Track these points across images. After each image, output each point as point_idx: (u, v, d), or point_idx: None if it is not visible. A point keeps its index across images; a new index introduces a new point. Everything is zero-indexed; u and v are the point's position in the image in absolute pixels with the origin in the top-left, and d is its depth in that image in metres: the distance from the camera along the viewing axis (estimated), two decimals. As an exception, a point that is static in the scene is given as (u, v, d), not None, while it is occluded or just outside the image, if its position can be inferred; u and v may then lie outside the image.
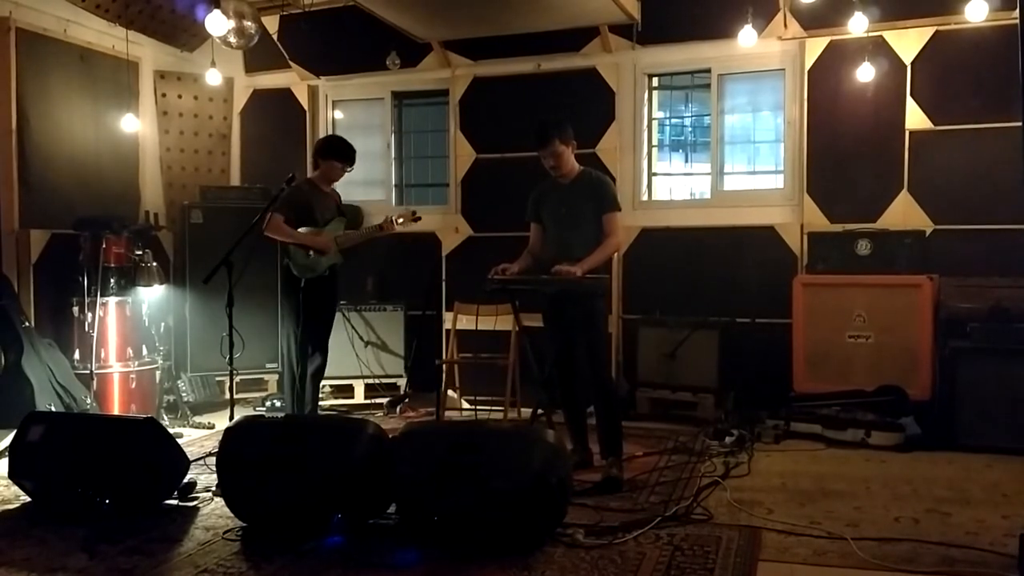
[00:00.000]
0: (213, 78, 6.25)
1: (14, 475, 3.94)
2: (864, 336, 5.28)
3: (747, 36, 5.51)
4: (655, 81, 6.44)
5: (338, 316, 5.58)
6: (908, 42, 5.52)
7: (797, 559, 3.12)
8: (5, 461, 4.04)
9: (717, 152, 6.21)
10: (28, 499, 3.94)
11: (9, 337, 5.09)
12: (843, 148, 5.69)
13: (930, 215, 5.48)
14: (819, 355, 5.37)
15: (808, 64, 5.75)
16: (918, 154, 5.51)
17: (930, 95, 5.49)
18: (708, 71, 6.18)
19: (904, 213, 5.52)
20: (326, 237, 4.99)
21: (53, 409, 4.91)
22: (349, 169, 5.13)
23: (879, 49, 5.53)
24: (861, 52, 5.50)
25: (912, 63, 5.52)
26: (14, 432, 4.03)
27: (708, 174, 6.28)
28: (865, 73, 5.49)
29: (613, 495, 3.92)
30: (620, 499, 3.88)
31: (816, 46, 5.73)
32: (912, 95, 5.51)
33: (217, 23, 5.43)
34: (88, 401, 5.22)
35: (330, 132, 7.13)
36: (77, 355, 5.45)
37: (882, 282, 5.25)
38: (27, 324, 5.23)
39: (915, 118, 5.51)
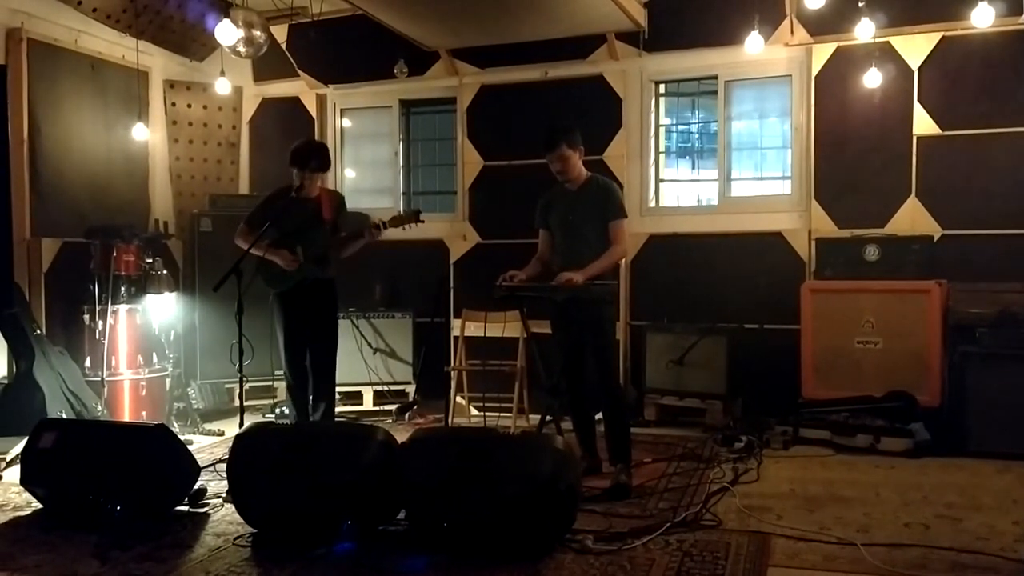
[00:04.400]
0: (222, 87, 6.28)
1: (26, 482, 3.96)
2: (873, 342, 5.26)
3: (754, 43, 5.50)
4: (662, 88, 6.45)
5: (347, 323, 5.50)
6: (915, 48, 5.52)
7: (807, 565, 3.12)
8: (17, 468, 4.06)
9: (724, 158, 6.22)
10: (40, 506, 3.96)
11: (21, 345, 5.13)
12: (851, 154, 5.68)
13: (938, 220, 5.47)
14: (828, 361, 5.35)
15: (815, 70, 5.75)
16: (926, 159, 5.50)
17: (937, 100, 5.48)
18: (715, 78, 6.18)
19: (912, 219, 5.52)
20: (284, 252, 4.65)
21: (64, 416, 4.95)
22: (313, 172, 4.70)
23: (886, 55, 5.53)
24: (868, 58, 5.50)
25: (919, 69, 5.51)
26: (26, 439, 4.05)
27: (715, 180, 6.29)
28: (872, 79, 5.49)
29: (622, 501, 3.92)
30: (629, 505, 3.88)
31: (823, 52, 5.73)
32: (919, 100, 5.51)
33: (226, 33, 5.47)
34: (99, 408, 5.25)
35: (338, 140, 7.17)
36: (88, 362, 5.48)
37: (891, 288, 5.24)
38: (38, 332, 5.27)
39: (923, 124, 5.51)
